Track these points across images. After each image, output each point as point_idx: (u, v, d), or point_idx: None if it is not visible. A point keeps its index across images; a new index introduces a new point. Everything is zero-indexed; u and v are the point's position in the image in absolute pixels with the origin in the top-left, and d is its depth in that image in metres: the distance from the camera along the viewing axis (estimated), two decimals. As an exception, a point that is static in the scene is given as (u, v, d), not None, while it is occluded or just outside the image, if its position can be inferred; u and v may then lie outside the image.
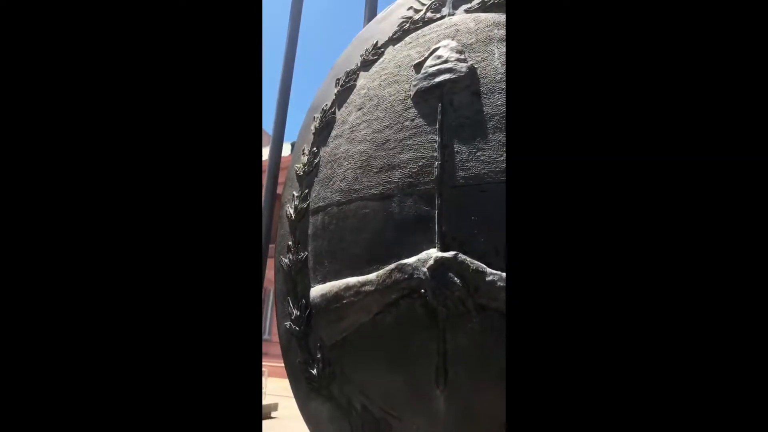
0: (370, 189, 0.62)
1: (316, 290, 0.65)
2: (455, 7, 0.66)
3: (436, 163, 0.57)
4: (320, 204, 0.68)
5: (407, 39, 0.69)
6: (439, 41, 0.64)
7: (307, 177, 0.73)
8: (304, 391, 0.65)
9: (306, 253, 0.68)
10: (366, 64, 0.73)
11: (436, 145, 0.58)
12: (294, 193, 0.74)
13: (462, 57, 0.60)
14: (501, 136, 0.55)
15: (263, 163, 0.72)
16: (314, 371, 0.63)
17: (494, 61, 0.58)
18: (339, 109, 0.73)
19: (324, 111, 0.76)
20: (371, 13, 1.09)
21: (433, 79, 0.61)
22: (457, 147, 0.57)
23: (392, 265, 0.57)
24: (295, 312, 0.67)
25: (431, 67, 0.62)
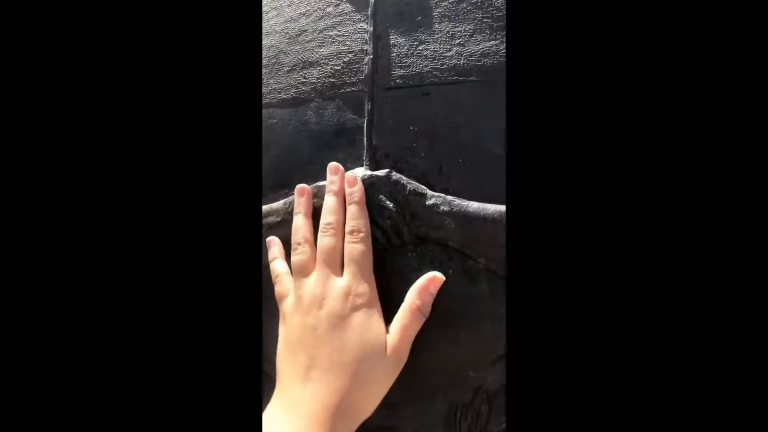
0: (279, 93, 0.47)
1: (204, 227, 0.49)
2: None
3: (367, 58, 0.44)
4: (212, 116, 0.51)
5: None
6: None
7: (196, 83, 0.55)
8: None
9: (192, 180, 0.52)
10: (278, -60, 0.56)
11: (366, 36, 0.44)
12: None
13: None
14: (450, 26, 0.43)
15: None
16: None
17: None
18: (240, -3, 0.56)
19: (221, 0, 0.57)
20: None
21: (365, -48, 0.47)
22: (393, 39, 0.44)
23: (306, 190, 0.43)
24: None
25: (363, -62, 0.48)
